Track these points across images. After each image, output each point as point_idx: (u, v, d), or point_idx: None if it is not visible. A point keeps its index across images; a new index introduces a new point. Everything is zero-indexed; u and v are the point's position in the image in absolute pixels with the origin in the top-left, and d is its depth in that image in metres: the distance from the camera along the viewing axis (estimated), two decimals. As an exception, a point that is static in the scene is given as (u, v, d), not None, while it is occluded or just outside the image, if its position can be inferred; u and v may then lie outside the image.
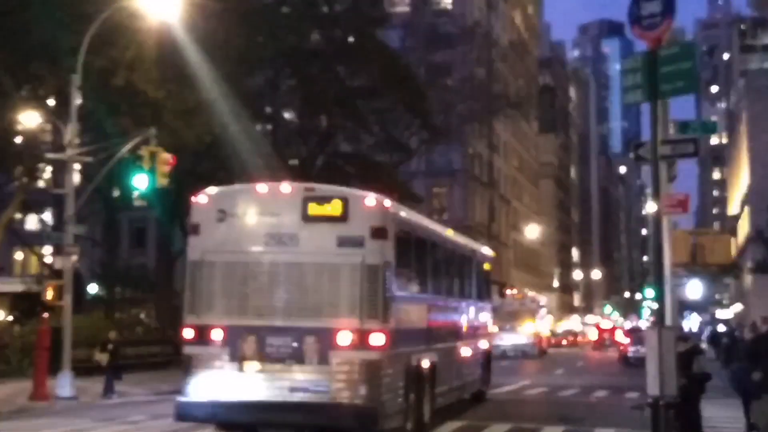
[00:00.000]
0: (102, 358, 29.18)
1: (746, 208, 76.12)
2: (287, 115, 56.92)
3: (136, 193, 35.39)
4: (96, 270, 61.89)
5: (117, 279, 56.07)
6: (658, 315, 12.50)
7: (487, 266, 28.51)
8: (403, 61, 57.15)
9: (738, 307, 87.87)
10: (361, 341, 15.40)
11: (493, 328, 31.17)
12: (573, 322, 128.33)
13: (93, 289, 58.22)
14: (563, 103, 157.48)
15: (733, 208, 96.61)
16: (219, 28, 40.11)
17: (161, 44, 34.81)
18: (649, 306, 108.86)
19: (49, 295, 28.82)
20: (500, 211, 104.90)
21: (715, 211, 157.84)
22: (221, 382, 15.69)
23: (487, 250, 30.22)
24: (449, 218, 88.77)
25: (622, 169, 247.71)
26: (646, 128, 12.64)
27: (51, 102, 36.61)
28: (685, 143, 14.18)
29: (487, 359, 27.31)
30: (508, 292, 54.02)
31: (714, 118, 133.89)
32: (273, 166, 49.55)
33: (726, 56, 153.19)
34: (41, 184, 51.83)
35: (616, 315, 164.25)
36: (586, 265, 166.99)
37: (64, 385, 27.20)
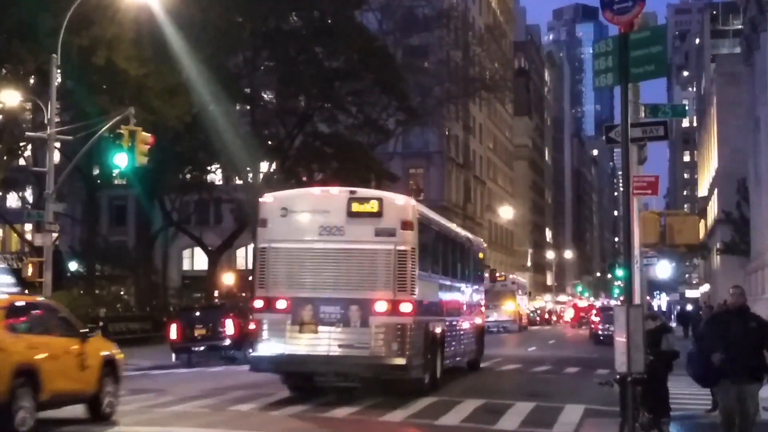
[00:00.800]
0: None
1: (715, 191, 76.74)
2: (265, 95, 56.73)
3: (116, 172, 35.50)
4: (76, 247, 61.71)
5: (97, 256, 55.88)
6: (627, 294, 12.59)
7: (481, 255, 32.87)
8: (380, 44, 57.06)
9: (706, 287, 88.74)
10: (394, 309, 19.43)
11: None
12: (545, 302, 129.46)
13: (73, 266, 57.99)
14: (538, 86, 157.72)
15: (702, 190, 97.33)
16: (198, 8, 39.97)
17: (141, 24, 34.66)
18: (619, 285, 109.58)
19: (30, 271, 28.78)
20: (476, 192, 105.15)
21: (685, 193, 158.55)
22: (285, 340, 19.74)
23: (482, 242, 35.31)
24: (425, 198, 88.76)
25: (595, 152, 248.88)
26: (619, 112, 12.71)
27: (31, 81, 36.45)
28: (655, 126, 14.28)
29: (481, 333, 31.31)
30: (497, 275, 58.08)
31: (685, 102, 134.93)
32: (251, 145, 49.52)
33: (697, 41, 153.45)
34: (22, 162, 51.56)
35: (587, 294, 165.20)
36: (558, 245, 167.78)
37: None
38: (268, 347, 20.01)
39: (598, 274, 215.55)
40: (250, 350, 21.63)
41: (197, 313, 35.30)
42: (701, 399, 19.12)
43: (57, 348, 15.22)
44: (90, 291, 47.60)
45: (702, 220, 78.35)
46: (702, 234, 71.82)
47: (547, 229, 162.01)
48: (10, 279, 28.97)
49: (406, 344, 19.53)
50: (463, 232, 30.86)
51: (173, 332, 33.18)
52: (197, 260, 76.90)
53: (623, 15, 11.59)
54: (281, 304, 19.88)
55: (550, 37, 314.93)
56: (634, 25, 11.92)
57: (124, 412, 17.63)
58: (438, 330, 22.58)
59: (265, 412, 17.94)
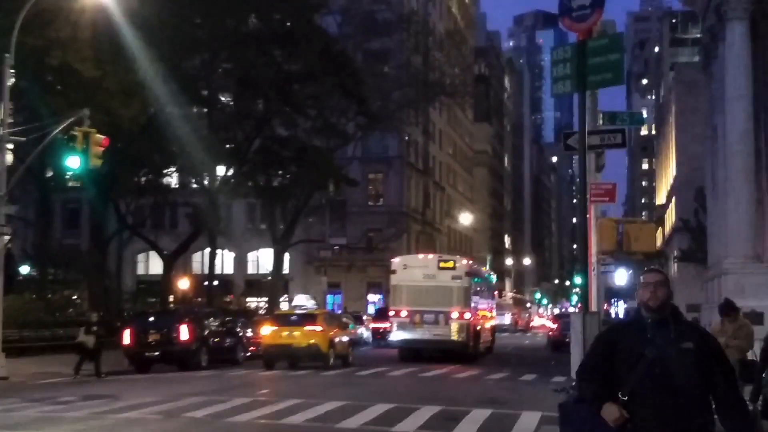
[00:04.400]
0: (88, 339, 29.69)
1: (673, 199, 77.52)
2: (223, 98, 56.48)
3: (69, 174, 35.09)
4: (28, 251, 60.94)
5: (49, 260, 55.23)
6: (584, 301, 12.68)
7: (494, 281, 57.09)
8: (340, 47, 57.08)
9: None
10: (460, 316, 37.96)
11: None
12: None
13: (25, 269, 57.38)
14: (498, 92, 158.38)
15: (660, 198, 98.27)
16: (155, 8, 39.73)
17: (96, 24, 34.42)
18: (578, 292, 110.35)
19: (-21, 275, 28.41)
20: (435, 198, 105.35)
21: (643, 200, 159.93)
22: (406, 331, 38.31)
23: (492, 273, 60.55)
24: (384, 203, 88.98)
25: (554, 159, 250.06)
26: (578, 119, 12.76)
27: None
28: (613, 134, 14.39)
29: (494, 330, 50.87)
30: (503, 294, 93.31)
31: (644, 111, 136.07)
32: (208, 148, 49.30)
33: (656, 49, 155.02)
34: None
35: (545, 302, 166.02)
36: (517, 252, 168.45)
37: (-7, 365, 26.89)
38: (397, 335, 39.07)
39: (557, 281, 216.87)
40: (388, 337, 41.82)
41: (151, 318, 35.09)
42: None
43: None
44: (42, 295, 47.06)
45: (659, 228, 79.32)
46: (659, 242, 72.68)
47: (506, 236, 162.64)
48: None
49: (466, 333, 38.31)
50: (485, 271, 56.18)
51: (126, 337, 32.97)
52: (152, 265, 76.36)
53: (582, 22, 11.68)
54: (404, 313, 38.47)
55: (511, 44, 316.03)
56: (592, 33, 12.01)
57: (75, 419, 17.50)
58: (478, 327, 41.21)
59: (218, 419, 17.86)
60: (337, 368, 32.52)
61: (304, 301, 67.15)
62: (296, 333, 33.09)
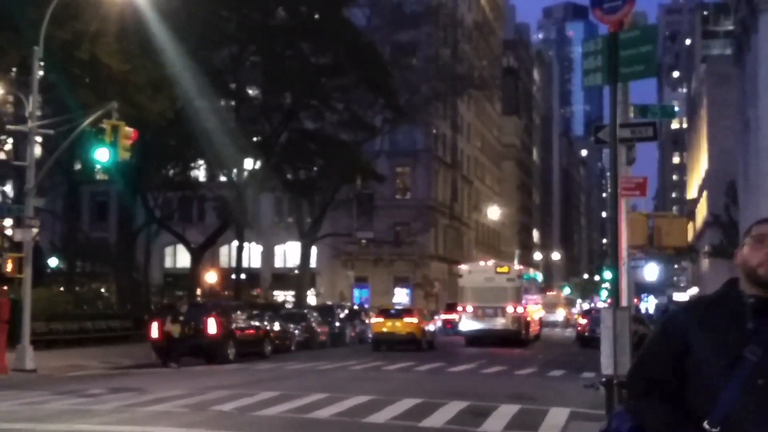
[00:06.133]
0: (175, 329, 30.50)
1: (704, 193, 77.06)
2: (251, 91, 56.69)
3: (97, 167, 35.36)
4: (56, 243, 61.54)
5: (77, 253, 55.72)
6: (614, 296, 12.62)
7: (540, 279, 69.16)
8: (367, 40, 57.05)
9: (694, 290, 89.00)
10: (515, 309, 47.99)
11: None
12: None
13: (53, 262, 57.82)
14: (527, 85, 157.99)
15: (691, 193, 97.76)
16: (183, 1, 39.88)
17: (125, 18, 34.60)
18: (607, 287, 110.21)
19: (9, 267, 28.57)
20: (462, 192, 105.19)
21: (674, 195, 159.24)
22: (472, 322, 48.79)
23: (540, 274, 73.07)
24: (412, 197, 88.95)
25: (584, 152, 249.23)
26: (608, 112, 12.71)
27: (13, 73, 36.29)
28: (644, 127, 14.31)
29: (541, 322, 62.06)
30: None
31: (675, 104, 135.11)
32: (236, 142, 49.47)
33: (688, 42, 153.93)
34: (2, 156, 51.35)
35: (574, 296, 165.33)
36: (546, 246, 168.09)
37: (22, 358, 27.09)
38: (465, 325, 49.42)
39: (586, 276, 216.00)
40: (458, 326, 51.97)
41: (179, 313, 35.30)
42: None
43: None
44: (70, 288, 47.49)
45: (690, 223, 78.72)
46: (690, 236, 72.11)
47: (534, 230, 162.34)
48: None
49: (520, 323, 48.07)
50: (533, 271, 67.63)
51: (154, 331, 33.12)
52: (180, 258, 76.84)
53: (613, 14, 11.62)
54: (470, 308, 48.62)
55: (540, 36, 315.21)
56: (624, 25, 11.95)
57: (104, 411, 17.61)
58: (528, 319, 51.09)
59: (245, 412, 17.92)
60: (426, 350, 43.80)
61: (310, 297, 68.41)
62: (398, 324, 44.85)
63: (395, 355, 39.15)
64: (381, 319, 45.76)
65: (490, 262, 55.14)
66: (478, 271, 51.81)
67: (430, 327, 48.32)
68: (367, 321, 53.83)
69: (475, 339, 48.59)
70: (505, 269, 51.47)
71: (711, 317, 3.69)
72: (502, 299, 48.51)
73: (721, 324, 3.63)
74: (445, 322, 63.29)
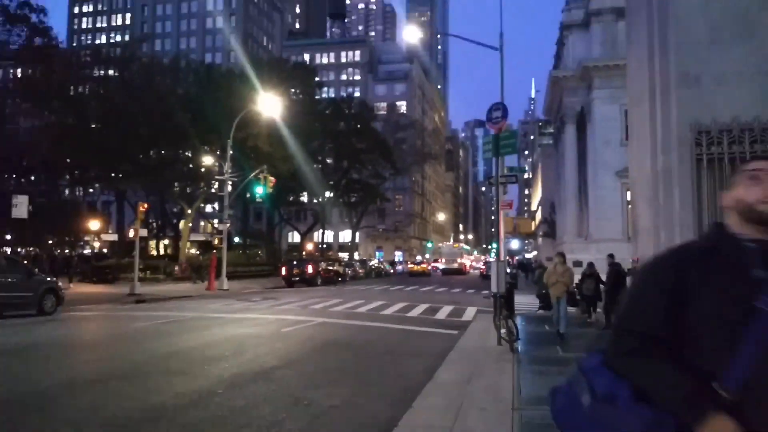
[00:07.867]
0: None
1: (539, 208, 76.30)
2: (328, 160, 56.55)
3: (257, 196, 35.19)
4: (237, 231, 61.29)
5: (247, 235, 55.65)
6: (497, 255, 12.53)
7: (467, 248, 68.96)
8: (382, 137, 56.90)
9: (534, 252, 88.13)
10: (460, 261, 55.98)
11: None
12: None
13: (236, 240, 57.70)
14: (457, 157, 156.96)
15: (534, 206, 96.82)
16: (297, 119, 39.74)
17: (270, 125, 34.50)
18: (494, 251, 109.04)
19: (216, 241, 28.64)
20: (427, 207, 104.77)
21: (525, 208, 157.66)
22: (444, 266, 52.71)
23: (466, 246, 71.31)
24: (403, 209, 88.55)
25: (483, 188, 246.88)
26: (495, 170, 12.67)
27: (217, 152, 36.27)
28: (511, 177, 14.28)
29: (469, 267, 60.74)
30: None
31: (525, 166, 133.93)
32: (321, 183, 49.24)
33: (532, 137, 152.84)
34: (213, 190, 51.17)
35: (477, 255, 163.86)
36: (466, 232, 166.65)
37: (222, 283, 27.04)
38: (442, 266, 52.55)
39: (484, 246, 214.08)
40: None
41: (294, 262, 35.25)
42: (531, 306, 18.77)
43: None
44: (244, 251, 47.37)
45: (533, 221, 78.19)
46: (533, 227, 71.70)
47: (460, 225, 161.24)
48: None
49: (461, 267, 50.98)
50: (464, 245, 62.52)
51: (283, 271, 33.06)
52: (294, 237, 76.62)
53: (496, 124, 11.61)
54: (443, 260, 51.05)
55: (463, 134, 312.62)
56: (501, 129, 11.93)
57: (260, 308, 17.53)
58: (465, 265, 52.98)
59: (326, 308, 17.40)
60: (428, 277, 43.64)
61: (355, 255, 68.05)
62: (454, 265, 53.87)
63: (399, 281, 38.03)
64: (413, 266, 52.54)
65: (451, 242, 63.39)
66: (446, 246, 61.97)
67: (429, 268, 52.96)
68: (391, 269, 54.90)
69: (445, 272, 52.85)
70: (456, 245, 61.31)
71: (710, 267, 1.56)
72: (456, 256, 56.30)
73: (724, 274, 1.55)
74: (433, 267, 63.87)
